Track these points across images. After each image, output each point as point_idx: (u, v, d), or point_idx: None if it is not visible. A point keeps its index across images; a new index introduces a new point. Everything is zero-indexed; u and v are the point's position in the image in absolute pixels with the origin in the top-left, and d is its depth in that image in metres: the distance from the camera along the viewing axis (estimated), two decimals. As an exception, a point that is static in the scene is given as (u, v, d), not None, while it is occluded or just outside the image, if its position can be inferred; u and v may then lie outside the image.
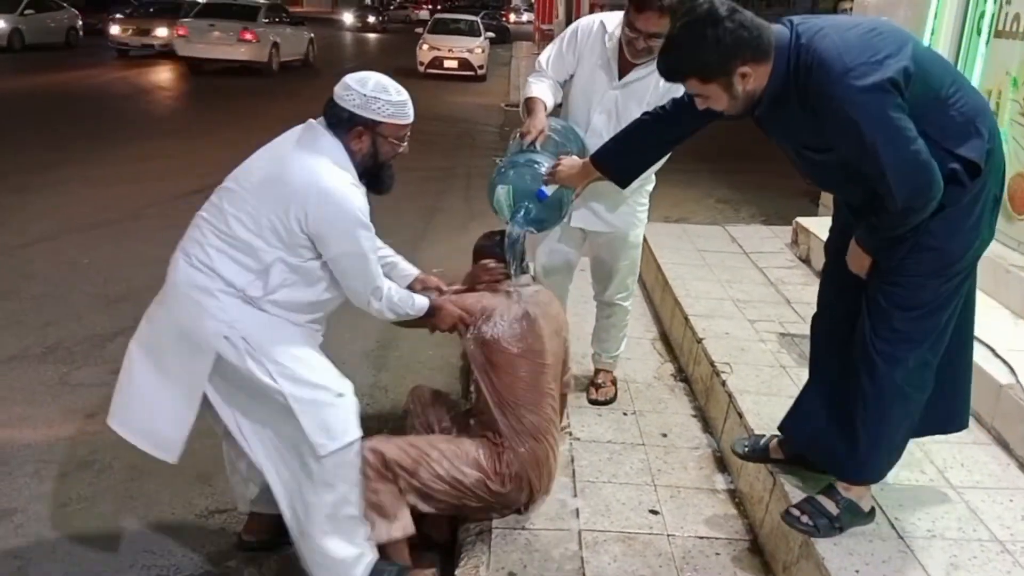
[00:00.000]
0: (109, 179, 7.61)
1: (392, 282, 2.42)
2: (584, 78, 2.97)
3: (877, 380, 2.20)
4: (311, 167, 2.17)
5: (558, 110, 3.10)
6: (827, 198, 5.73)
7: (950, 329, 2.23)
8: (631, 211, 3.16)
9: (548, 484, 2.66)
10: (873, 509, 2.39)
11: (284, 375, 2.19)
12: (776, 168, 7.93)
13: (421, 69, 18.90)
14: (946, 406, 2.41)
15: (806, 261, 4.80)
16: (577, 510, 2.70)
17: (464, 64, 18.96)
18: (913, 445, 2.79)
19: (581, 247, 3.31)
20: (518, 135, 2.90)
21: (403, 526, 2.39)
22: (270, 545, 2.68)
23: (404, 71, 19.17)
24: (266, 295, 2.21)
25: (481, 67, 19.19)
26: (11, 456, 3.19)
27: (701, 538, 2.61)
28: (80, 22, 20.64)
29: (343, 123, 2.23)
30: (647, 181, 3.16)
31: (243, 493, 2.64)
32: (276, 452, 2.30)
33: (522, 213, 2.73)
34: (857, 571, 2.17)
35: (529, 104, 2.89)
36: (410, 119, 2.31)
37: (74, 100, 12.36)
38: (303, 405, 2.19)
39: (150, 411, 2.32)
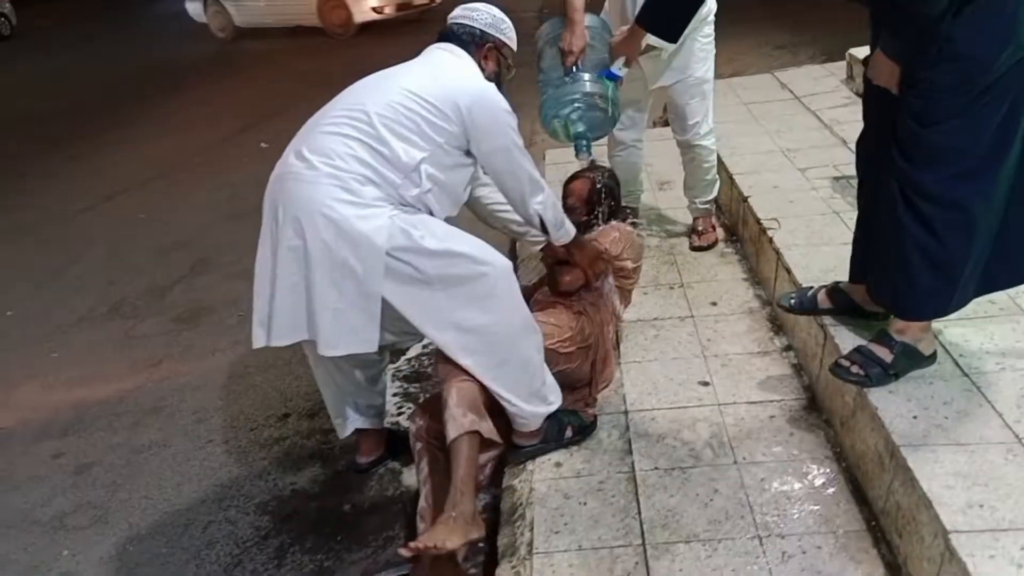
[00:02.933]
0: (156, 134, 7.71)
1: None
2: None
3: (906, 205, 1.98)
4: (466, 71, 2.24)
5: None
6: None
7: (1004, 162, 1.94)
8: (697, 47, 3.16)
9: (610, 374, 2.64)
10: (935, 353, 2.21)
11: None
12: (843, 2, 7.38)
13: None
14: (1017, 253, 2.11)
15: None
16: (624, 393, 2.63)
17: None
18: (982, 275, 2.58)
19: (650, 95, 3.34)
20: (550, 42, 2.78)
21: (490, 429, 2.20)
22: (383, 461, 2.74)
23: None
24: (420, 194, 2.14)
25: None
26: (84, 413, 3.34)
27: (754, 403, 2.50)
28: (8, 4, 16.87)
29: (475, 40, 2.32)
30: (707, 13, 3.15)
31: (347, 417, 2.58)
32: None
33: (585, 144, 2.75)
34: (915, 416, 2.02)
35: (568, 6, 2.76)
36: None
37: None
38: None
39: (332, 315, 2.09)
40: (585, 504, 2.22)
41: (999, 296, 2.47)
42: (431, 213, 2.19)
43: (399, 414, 3.00)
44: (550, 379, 2.36)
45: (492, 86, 2.23)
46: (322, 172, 2.06)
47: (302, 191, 2.06)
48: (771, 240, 3.00)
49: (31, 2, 18.09)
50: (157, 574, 2.46)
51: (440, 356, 2.23)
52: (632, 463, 2.33)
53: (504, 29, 2.39)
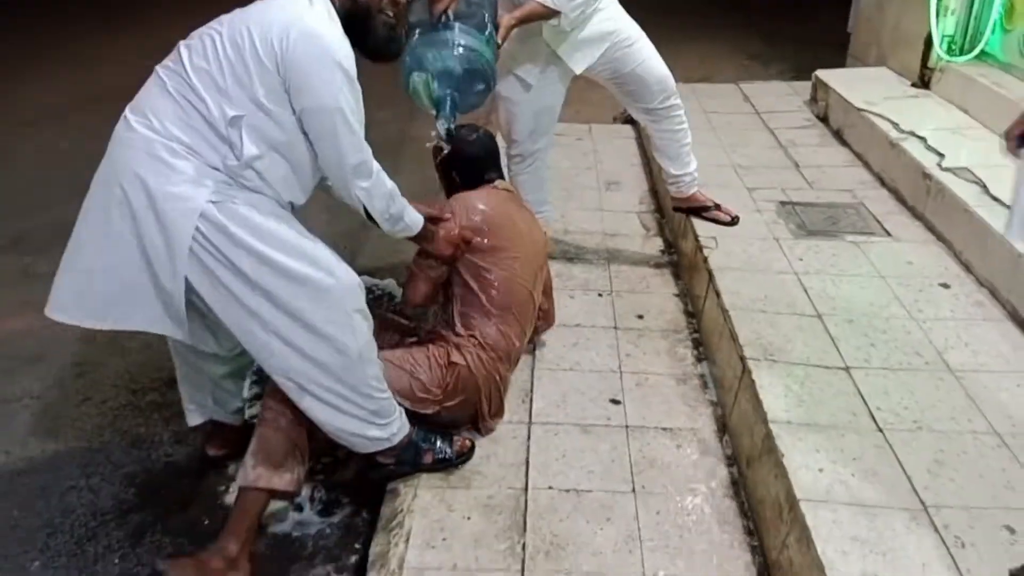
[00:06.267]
0: (106, 58, 7.28)
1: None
2: None
3: None
4: (294, 4, 1.83)
5: None
6: (857, 47, 5.16)
7: None
8: (612, 12, 2.82)
9: (499, 408, 2.42)
10: None
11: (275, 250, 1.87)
12: (819, 17, 7.27)
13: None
14: None
15: (824, 120, 4.32)
16: (531, 400, 2.49)
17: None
18: (913, 324, 2.51)
19: (568, 87, 2.97)
20: None
21: (287, 481, 2.05)
22: (235, 458, 2.45)
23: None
24: (243, 164, 1.84)
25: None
26: (-40, 351, 3.09)
27: (664, 429, 2.38)
28: None
29: None
30: None
31: (202, 404, 2.37)
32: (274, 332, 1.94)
33: (448, 105, 2.31)
34: (821, 469, 1.92)
35: None
36: None
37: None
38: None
39: (133, 291, 1.88)
40: (469, 519, 2.07)
41: (927, 349, 2.39)
42: (269, 193, 1.91)
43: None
44: (387, 407, 2.10)
45: (328, 30, 1.81)
46: (137, 135, 1.82)
47: (118, 154, 1.85)
48: (706, 260, 2.88)
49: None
50: (3, 539, 2.25)
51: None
52: (527, 479, 2.19)
53: None
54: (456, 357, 2.26)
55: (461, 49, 2.30)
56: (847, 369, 2.29)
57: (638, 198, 3.95)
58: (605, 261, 3.32)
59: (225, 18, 1.89)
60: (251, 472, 2.04)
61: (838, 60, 5.44)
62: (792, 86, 5.04)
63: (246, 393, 2.46)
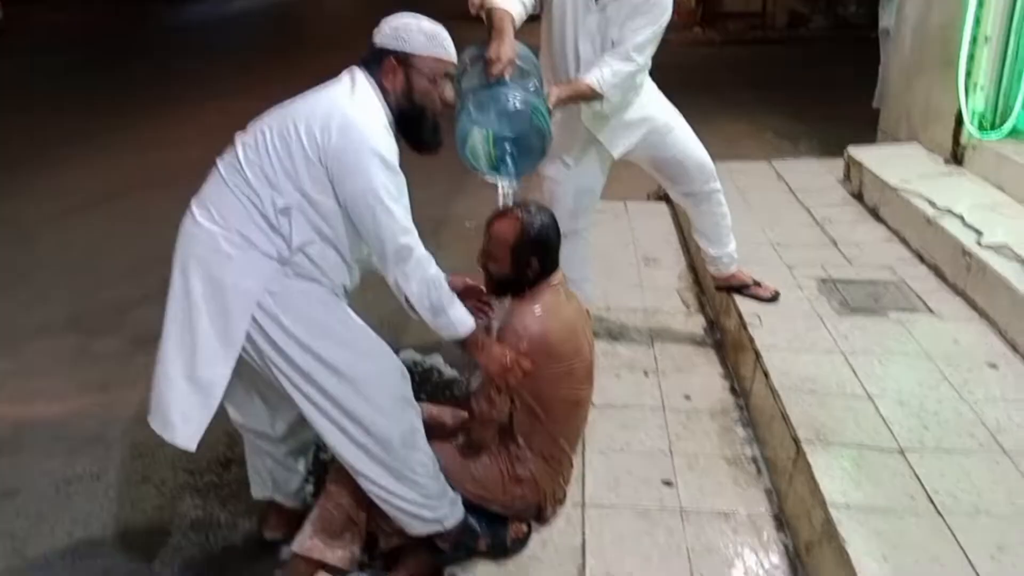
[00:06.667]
0: (152, 144, 7.57)
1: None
2: (560, 6, 2.72)
3: None
4: (338, 98, 1.98)
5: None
6: (888, 122, 5.25)
7: None
8: (650, 99, 2.92)
9: (562, 498, 2.41)
10: None
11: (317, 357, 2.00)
12: (843, 94, 7.40)
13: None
14: None
15: (858, 197, 4.39)
16: (583, 483, 2.51)
17: None
18: (964, 406, 2.52)
19: (608, 170, 3.05)
20: (475, 60, 2.42)
21: (339, 557, 2.17)
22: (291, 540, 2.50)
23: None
24: (294, 251, 1.96)
25: None
26: (23, 432, 3.18)
27: (719, 513, 2.39)
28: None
29: (375, 58, 2.04)
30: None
31: (264, 481, 2.46)
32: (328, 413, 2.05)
33: (510, 162, 2.34)
34: (884, 556, 1.92)
35: (495, 19, 2.45)
36: (448, 55, 2.08)
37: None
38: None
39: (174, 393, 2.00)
40: (529, 606, 2.09)
41: (979, 430, 2.39)
42: (323, 280, 2.04)
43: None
44: (435, 492, 2.15)
45: (367, 120, 1.94)
46: (201, 228, 1.97)
47: (183, 246, 2.01)
48: (752, 339, 2.92)
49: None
50: (64, 625, 2.30)
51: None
52: (584, 565, 2.20)
53: (408, 36, 2.01)
54: (521, 471, 2.25)
55: (519, 104, 2.29)
56: (902, 451, 2.30)
57: (677, 274, 4.02)
58: (648, 339, 3.36)
59: (276, 111, 2.03)
60: (307, 541, 2.13)
61: (865, 135, 5.51)
62: (823, 163, 5.12)
63: (301, 468, 2.50)
